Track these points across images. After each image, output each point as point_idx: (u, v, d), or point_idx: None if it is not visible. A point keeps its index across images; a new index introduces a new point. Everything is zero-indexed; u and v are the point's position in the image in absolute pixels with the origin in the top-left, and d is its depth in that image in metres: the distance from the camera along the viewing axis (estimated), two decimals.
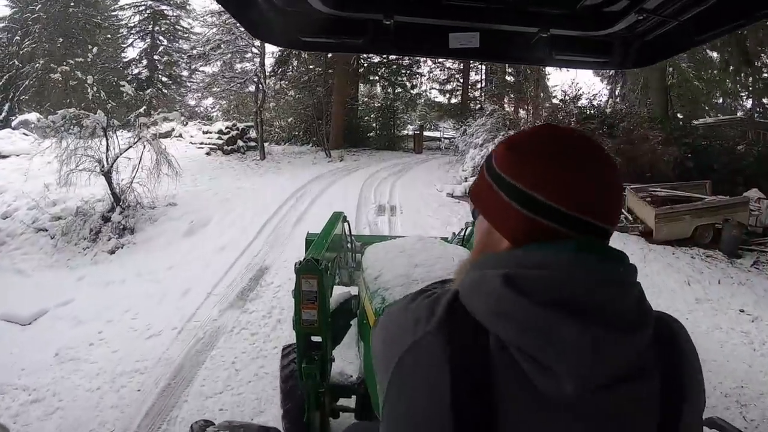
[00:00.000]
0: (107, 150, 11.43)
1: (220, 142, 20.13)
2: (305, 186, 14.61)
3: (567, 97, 18.37)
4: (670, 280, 8.74)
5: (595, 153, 0.85)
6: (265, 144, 20.70)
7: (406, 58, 25.25)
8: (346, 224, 4.65)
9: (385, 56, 23.88)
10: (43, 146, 11.34)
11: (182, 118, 24.64)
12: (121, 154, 11.55)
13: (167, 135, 20.93)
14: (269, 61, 23.32)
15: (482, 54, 1.81)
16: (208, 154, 19.60)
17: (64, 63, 22.31)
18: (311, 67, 23.69)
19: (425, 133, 28.16)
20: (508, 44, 1.80)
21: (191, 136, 21.44)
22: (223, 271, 7.93)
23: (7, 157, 15.84)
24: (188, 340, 5.82)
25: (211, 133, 20.80)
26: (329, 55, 21.29)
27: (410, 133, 28.42)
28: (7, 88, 25.56)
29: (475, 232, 0.97)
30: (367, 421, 2.96)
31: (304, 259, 2.87)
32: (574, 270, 0.75)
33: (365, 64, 26.83)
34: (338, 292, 3.48)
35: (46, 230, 11.46)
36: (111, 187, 11.50)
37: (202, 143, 20.32)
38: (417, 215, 11.47)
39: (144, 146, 11.84)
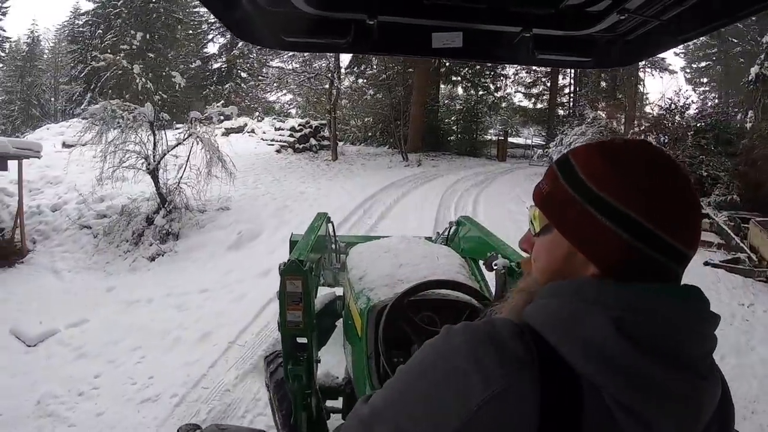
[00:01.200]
0: (154, 146, 10.30)
1: (292, 139, 19.33)
2: (376, 195, 12.90)
3: (674, 106, 15.70)
4: None
5: (687, 177, 0.77)
6: (340, 143, 19.55)
7: None
8: (330, 225, 4.44)
9: None
10: (85, 139, 10.40)
11: (257, 113, 24.03)
12: (168, 151, 10.48)
13: (239, 130, 20.65)
14: (347, 57, 22.11)
15: (465, 53, 1.76)
16: (278, 151, 18.68)
17: (108, 51, 22.00)
18: (390, 65, 22.12)
19: (508, 139, 26.02)
20: (491, 44, 1.78)
21: (263, 132, 20.57)
22: (259, 307, 6.24)
23: (73, 146, 15.43)
24: (184, 421, 4.25)
25: (283, 129, 20.01)
26: None
27: (493, 138, 26.48)
28: (89, 79, 25.95)
29: (540, 249, 0.83)
30: None
31: (288, 260, 2.72)
32: (685, 320, 0.71)
33: (447, 64, 25.03)
34: (323, 293, 3.44)
35: (90, 228, 10.71)
36: (157, 187, 10.47)
37: (273, 140, 19.52)
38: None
39: (194, 143, 10.62)
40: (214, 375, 4.87)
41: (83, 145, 10.40)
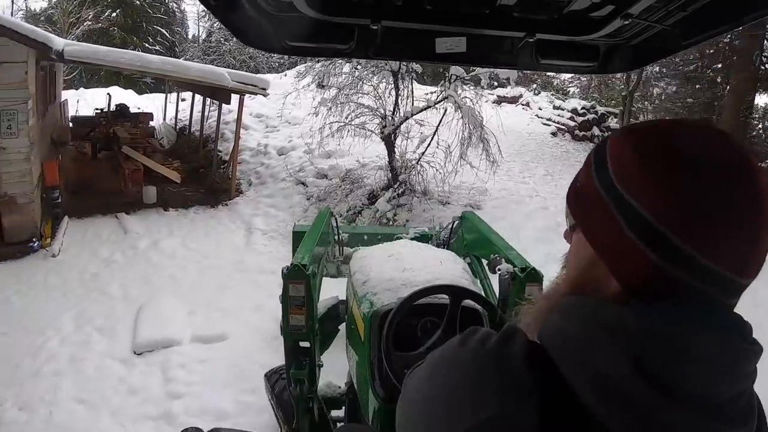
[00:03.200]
0: (396, 105, 7.77)
1: (572, 123, 16.33)
2: None
3: None
4: None
5: (753, 179, 0.58)
6: None
7: None
8: (333, 218, 4.22)
9: None
10: (303, 83, 8.44)
11: (534, 85, 21.04)
12: (412, 115, 7.81)
13: (513, 101, 18.65)
14: None
15: (469, 59, 1.76)
16: (554, 134, 15.92)
17: None
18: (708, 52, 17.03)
19: None
20: (494, 49, 1.79)
21: (540, 109, 17.88)
22: None
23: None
24: None
25: (563, 110, 17.03)
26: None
27: None
28: None
29: (572, 245, 0.72)
30: (357, 423, 2.90)
31: (291, 264, 2.65)
32: (717, 356, 0.58)
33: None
34: (326, 297, 3.39)
35: (306, 186, 8.71)
36: (390, 159, 7.91)
37: (549, 119, 16.81)
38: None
39: (450, 110, 7.88)
40: None
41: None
